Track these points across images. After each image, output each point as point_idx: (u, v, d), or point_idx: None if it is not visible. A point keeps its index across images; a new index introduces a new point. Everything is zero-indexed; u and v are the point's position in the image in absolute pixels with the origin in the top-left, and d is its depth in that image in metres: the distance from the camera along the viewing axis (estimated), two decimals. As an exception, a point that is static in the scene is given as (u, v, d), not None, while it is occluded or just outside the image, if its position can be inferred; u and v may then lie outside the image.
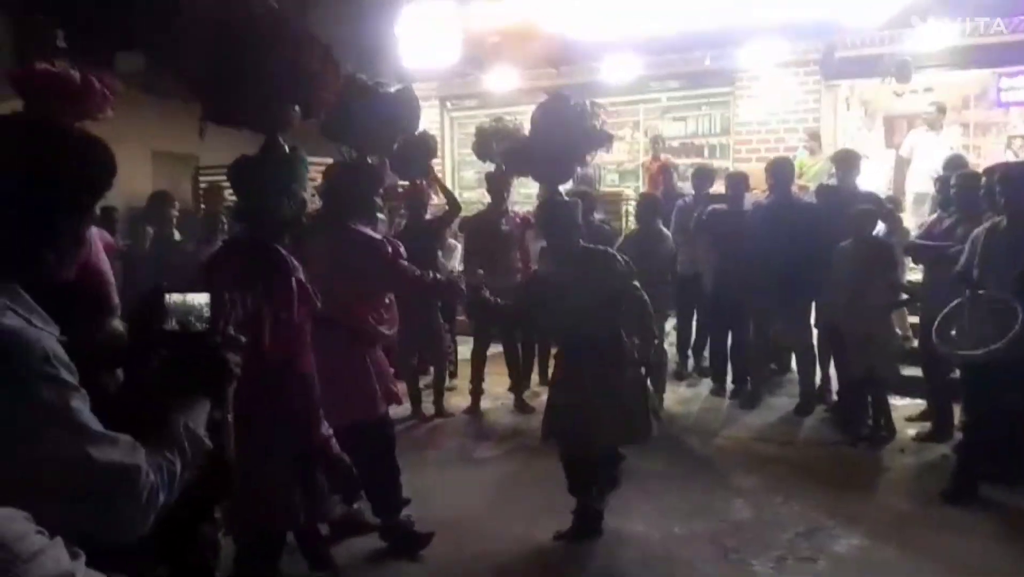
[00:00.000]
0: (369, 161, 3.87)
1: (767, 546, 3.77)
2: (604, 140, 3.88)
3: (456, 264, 6.64)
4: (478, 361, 6.26)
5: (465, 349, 6.71)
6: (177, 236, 6.22)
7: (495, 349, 6.31)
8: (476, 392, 6.23)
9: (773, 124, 8.91)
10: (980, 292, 4.12)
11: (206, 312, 1.64)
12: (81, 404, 1.24)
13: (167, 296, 1.62)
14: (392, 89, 3.88)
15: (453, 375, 6.86)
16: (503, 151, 4.73)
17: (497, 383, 6.49)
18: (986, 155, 8.85)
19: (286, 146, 2.76)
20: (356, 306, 3.49)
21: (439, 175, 6.67)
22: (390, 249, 3.53)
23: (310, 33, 2.71)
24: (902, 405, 5.77)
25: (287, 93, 2.67)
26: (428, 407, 6.13)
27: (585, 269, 3.66)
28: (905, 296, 5.49)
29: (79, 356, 1.31)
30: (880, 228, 6.07)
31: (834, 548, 3.77)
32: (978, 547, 3.73)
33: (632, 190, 9.79)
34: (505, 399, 6.40)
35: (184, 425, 1.47)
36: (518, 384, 6.29)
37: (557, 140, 3.76)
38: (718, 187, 6.76)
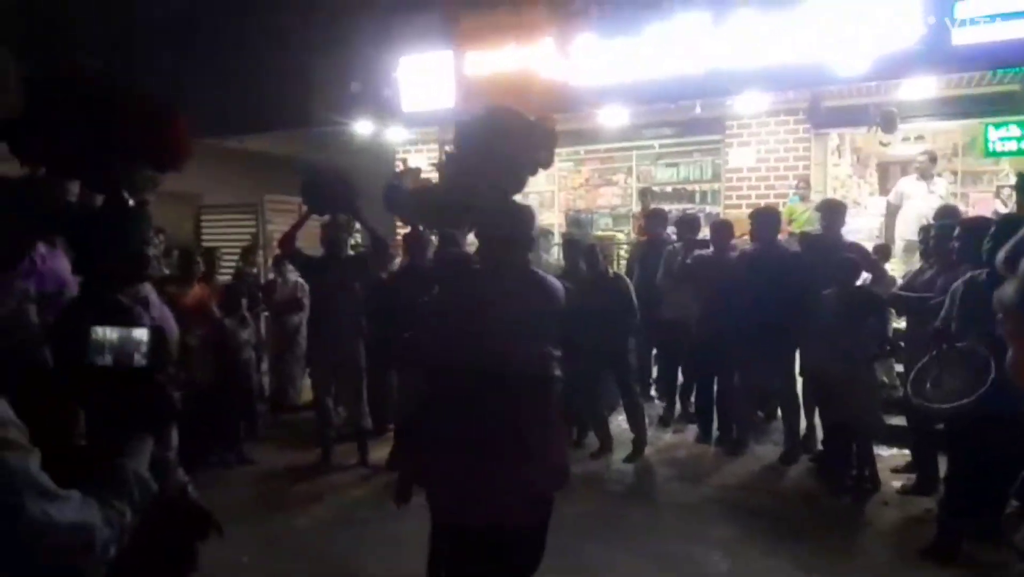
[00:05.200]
0: None
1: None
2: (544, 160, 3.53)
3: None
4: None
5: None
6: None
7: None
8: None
9: (763, 171, 9.00)
10: (957, 345, 4.11)
11: (143, 348, 1.59)
12: (35, 463, 1.23)
13: (99, 329, 1.59)
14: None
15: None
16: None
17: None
18: (974, 204, 8.91)
19: (130, 202, 2.63)
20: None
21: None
22: None
23: (141, 93, 2.66)
24: (888, 456, 5.73)
25: (121, 151, 2.59)
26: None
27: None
28: (888, 347, 5.48)
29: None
30: (865, 277, 6.10)
31: (809, 605, 3.73)
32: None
33: (624, 234, 9.87)
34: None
35: (133, 472, 1.45)
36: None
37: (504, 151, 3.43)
38: (705, 233, 6.81)
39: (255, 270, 8.11)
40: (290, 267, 7.23)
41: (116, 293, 2.58)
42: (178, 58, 9.64)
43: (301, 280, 6.90)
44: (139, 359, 1.57)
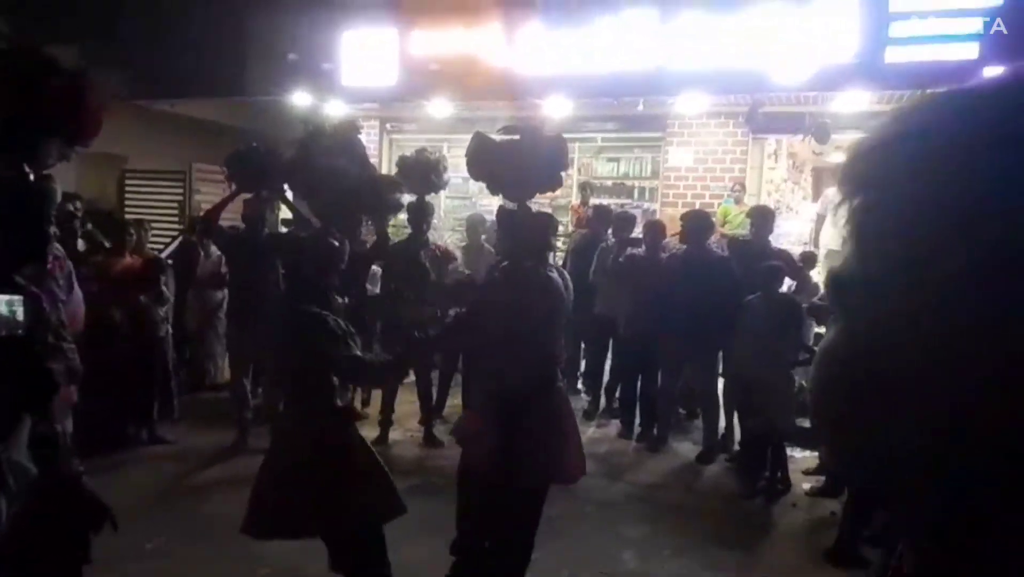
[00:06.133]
0: None
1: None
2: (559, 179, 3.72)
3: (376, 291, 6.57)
4: (390, 389, 6.17)
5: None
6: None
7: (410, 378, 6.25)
8: (385, 422, 6.14)
9: (700, 171, 9.15)
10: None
11: (18, 317, 1.47)
12: None
13: None
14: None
15: (366, 403, 6.75)
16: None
17: (411, 413, 6.43)
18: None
19: (31, 176, 2.52)
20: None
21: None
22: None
23: (54, 64, 2.54)
24: (800, 457, 5.91)
25: (28, 122, 2.47)
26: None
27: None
28: (808, 354, 5.64)
29: None
30: (790, 283, 6.27)
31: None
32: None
33: (563, 226, 9.88)
34: (416, 431, 6.33)
35: (6, 460, 1.37)
36: (428, 417, 6.23)
37: (538, 161, 3.55)
38: (639, 231, 6.86)
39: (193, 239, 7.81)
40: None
41: (11, 271, 2.43)
42: (111, 16, 9.19)
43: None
44: (13, 330, 1.46)
